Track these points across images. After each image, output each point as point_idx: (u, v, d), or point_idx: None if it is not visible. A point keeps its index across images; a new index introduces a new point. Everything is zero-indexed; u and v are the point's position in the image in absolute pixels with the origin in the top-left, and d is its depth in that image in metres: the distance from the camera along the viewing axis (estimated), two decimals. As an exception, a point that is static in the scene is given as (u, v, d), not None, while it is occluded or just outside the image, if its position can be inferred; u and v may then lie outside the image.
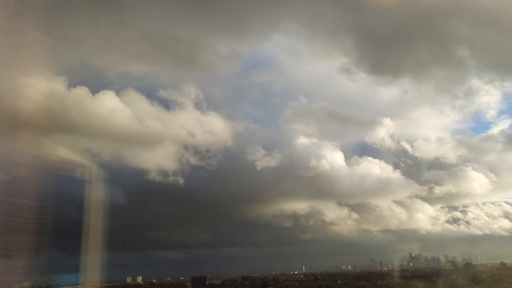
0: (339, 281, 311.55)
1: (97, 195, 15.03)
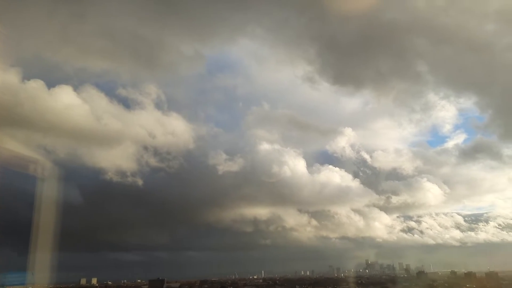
0: (297, 287, 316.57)
1: (50, 193, 14.57)
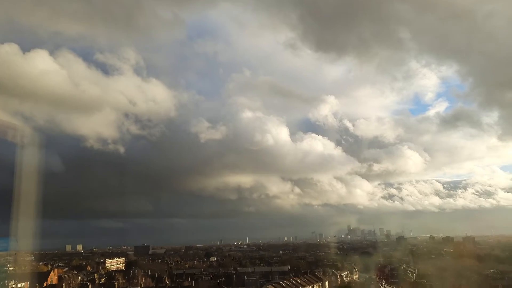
0: (281, 252, 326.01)
1: (31, 160, 14.14)
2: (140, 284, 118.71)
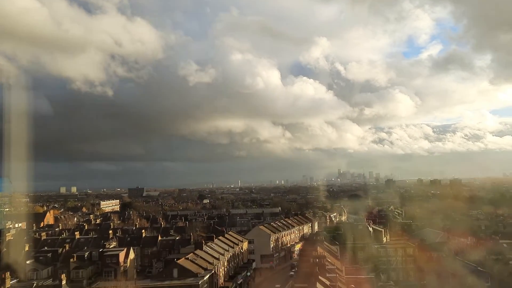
0: (272, 194, 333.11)
1: (18, 102, 12.65)
2: (135, 225, 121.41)
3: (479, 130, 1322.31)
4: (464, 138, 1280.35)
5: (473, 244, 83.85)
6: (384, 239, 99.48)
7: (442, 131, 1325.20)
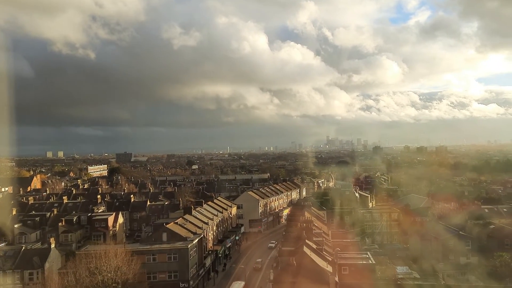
0: (261, 161, 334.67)
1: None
2: (124, 190, 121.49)
3: (465, 98, 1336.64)
4: (450, 105, 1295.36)
5: (456, 209, 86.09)
6: (370, 204, 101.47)
7: (429, 98, 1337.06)
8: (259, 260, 70.32)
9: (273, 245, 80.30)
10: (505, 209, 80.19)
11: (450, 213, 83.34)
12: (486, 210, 79.62)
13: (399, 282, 45.60)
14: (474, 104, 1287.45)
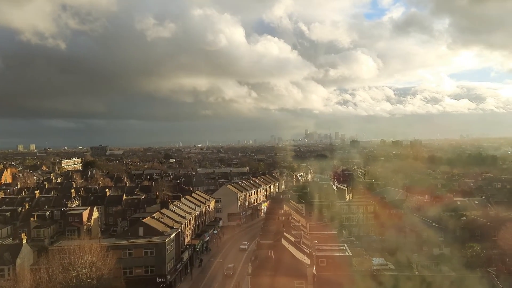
0: (240, 154, 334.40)
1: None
2: (99, 184, 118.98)
3: (437, 93, 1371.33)
4: (424, 100, 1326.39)
5: (430, 202, 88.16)
6: (348, 197, 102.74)
7: (403, 93, 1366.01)
8: (231, 265, 63.20)
9: (245, 246, 75.56)
10: (476, 202, 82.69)
11: (424, 205, 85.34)
12: (458, 203, 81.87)
13: (374, 274, 46.22)
14: (447, 99, 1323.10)
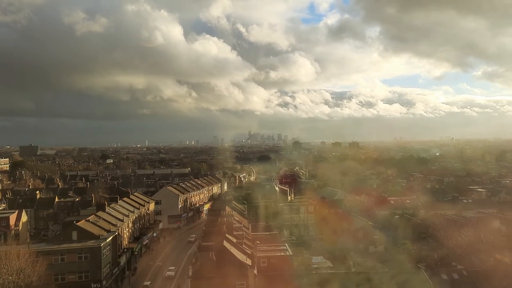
0: (182, 155, 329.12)
1: None
2: (28, 186, 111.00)
3: (371, 97, 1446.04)
4: (359, 104, 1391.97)
5: (366, 201, 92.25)
6: (289, 198, 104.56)
7: (340, 97, 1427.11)
8: (172, 267, 62.74)
9: (192, 239, 79.68)
10: (408, 201, 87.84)
11: (360, 204, 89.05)
12: (392, 202, 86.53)
13: (314, 272, 47.36)
14: (380, 103, 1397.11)
